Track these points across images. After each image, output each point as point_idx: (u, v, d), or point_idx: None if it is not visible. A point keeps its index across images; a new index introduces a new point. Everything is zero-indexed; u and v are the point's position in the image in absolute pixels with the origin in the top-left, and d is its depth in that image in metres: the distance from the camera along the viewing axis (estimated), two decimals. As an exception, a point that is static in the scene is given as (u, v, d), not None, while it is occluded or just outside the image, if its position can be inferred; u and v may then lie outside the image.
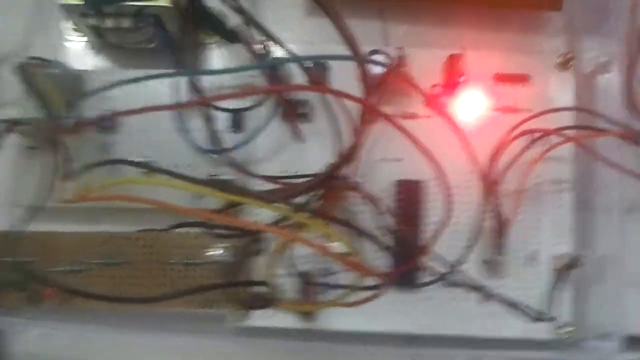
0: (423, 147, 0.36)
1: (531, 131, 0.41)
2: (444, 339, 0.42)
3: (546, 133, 0.41)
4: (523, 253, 0.43)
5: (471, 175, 0.42)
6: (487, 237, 0.42)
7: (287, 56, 0.43)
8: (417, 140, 0.36)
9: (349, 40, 0.37)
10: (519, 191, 0.41)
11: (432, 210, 0.43)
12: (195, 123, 0.44)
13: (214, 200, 0.39)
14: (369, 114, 0.39)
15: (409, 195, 0.43)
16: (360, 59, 0.37)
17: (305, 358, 0.43)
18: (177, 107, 0.44)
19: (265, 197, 0.34)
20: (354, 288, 0.37)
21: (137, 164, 0.36)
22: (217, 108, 0.44)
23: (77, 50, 0.47)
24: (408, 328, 0.42)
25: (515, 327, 0.42)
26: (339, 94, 0.36)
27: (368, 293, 0.37)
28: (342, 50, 0.39)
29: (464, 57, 0.42)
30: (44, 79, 0.42)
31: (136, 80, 0.36)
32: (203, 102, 0.42)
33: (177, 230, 0.42)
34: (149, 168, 0.39)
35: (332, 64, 0.44)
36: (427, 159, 0.37)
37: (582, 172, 0.43)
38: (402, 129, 0.35)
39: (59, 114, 0.41)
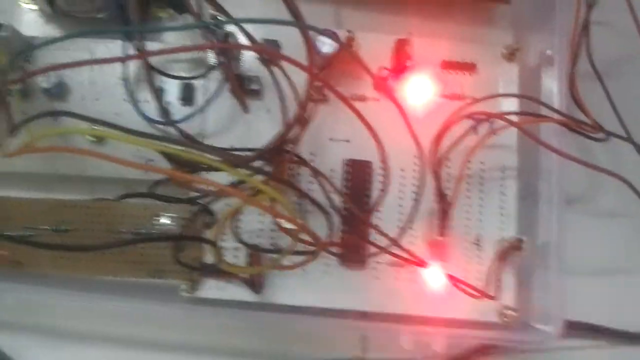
0: (368, 124, 0.37)
1: (473, 115, 0.42)
2: (391, 317, 0.43)
3: (488, 117, 0.42)
4: (467, 236, 0.43)
5: (416, 159, 0.43)
6: (432, 219, 0.43)
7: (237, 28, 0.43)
8: (362, 116, 0.36)
9: (297, 16, 0.37)
10: (460, 175, 0.42)
11: (379, 191, 0.43)
12: (145, 95, 0.44)
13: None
14: (316, 88, 0.39)
15: (357, 175, 0.43)
16: (305, 27, 0.37)
17: (255, 328, 0.44)
18: (120, 59, 0.43)
19: (222, 160, 0.34)
20: (294, 252, 0.37)
21: (83, 117, 0.36)
22: (167, 75, 0.44)
23: (28, 17, 0.47)
24: (354, 305, 0.43)
25: (459, 308, 0.43)
26: (286, 59, 0.36)
27: (307, 256, 0.37)
28: (294, 30, 0.39)
29: (411, 42, 0.43)
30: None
31: (80, 34, 0.35)
32: (145, 56, 0.41)
33: (127, 200, 0.42)
34: (96, 121, 0.38)
35: (284, 43, 0.44)
36: (373, 139, 0.37)
37: (526, 159, 0.44)
38: (348, 103, 0.36)
39: (4, 74, 0.41)
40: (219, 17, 0.43)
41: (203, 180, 0.38)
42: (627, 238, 0.46)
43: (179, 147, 0.33)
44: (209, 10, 0.44)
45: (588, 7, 0.43)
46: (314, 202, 0.39)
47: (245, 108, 0.44)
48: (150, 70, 0.43)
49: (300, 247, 0.38)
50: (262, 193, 0.33)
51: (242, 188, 0.38)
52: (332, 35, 0.42)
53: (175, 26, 0.45)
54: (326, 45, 0.42)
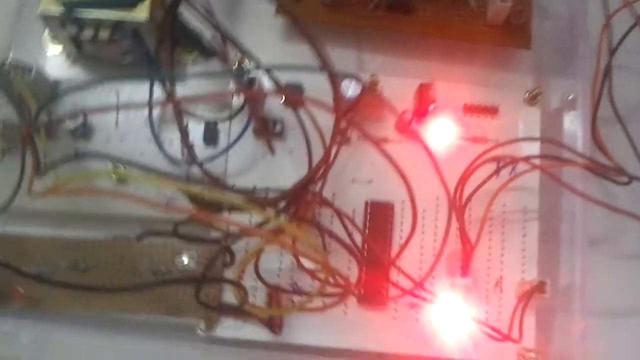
0: (395, 165, 0.37)
1: (497, 158, 0.42)
2: (411, 358, 0.42)
3: (512, 161, 0.42)
4: (489, 278, 0.43)
5: (438, 201, 0.43)
6: (454, 261, 0.43)
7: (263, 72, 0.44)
8: (389, 156, 0.36)
9: (324, 61, 0.38)
10: (484, 217, 0.42)
11: (402, 232, 0.44)
12: (169, 135, 0.44)
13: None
14: (341, 130, 0.40)
15: (379, 216, 0.44)
16: (332, 73, 0.38)
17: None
18: (148, 104, 0.44)
19: (245, 199, 0.34)
20: (318, 294, 0.37)
21: (108, 157, 0.36)
22: (193, 117, 0.44)
23: (55, 60, 0.48)
24: (373, 346, 0.42)
25: (480, 350, 0.42)
26: (315, 102, 0.36)
27: (332, 300, 0.37)
28: (317, 74, 0.39)
29: (434, 86, 0.43)
30: (22, 83, 0.42)
31: (106, 79, 0.36)
32: (172, 102, 0.42)
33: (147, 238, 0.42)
34: (121, 162, 0.39)
35: (308, 87, 0.45)
36: (402, 180, 0.37)
37: (548, 202, 0.44)
38: (376, 144, 0.36)
39: (32, 117, 0.42)
40: (243, 62, 0.44)
41: (225, 220, 0.38)
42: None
43: (200, 188, 0.33)
44: (234, 54, 0.45)
45: (610, 52, 0.43)
46: (338, 239, 0.38)
47: (271, 150, 0.44)
48: (178, 113, 0.43)
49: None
50: (284, 233, 0.34)
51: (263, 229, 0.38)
52: (357, 80, 0.43)
53: (201, 72, 0.46)
54: (351, 89, 0.42)
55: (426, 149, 0.37)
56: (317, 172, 0.38)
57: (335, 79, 0.38)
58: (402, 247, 0.40)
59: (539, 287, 0.41)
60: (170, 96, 0.43)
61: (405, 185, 0.36)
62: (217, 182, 0.43)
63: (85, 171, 0.41)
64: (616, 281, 0.45)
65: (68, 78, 0.47)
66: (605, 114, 0.44)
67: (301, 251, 0.35)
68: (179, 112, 0.43)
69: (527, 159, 0.42)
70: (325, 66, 0.38)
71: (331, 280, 0.36)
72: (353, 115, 0.43)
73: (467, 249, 0.41)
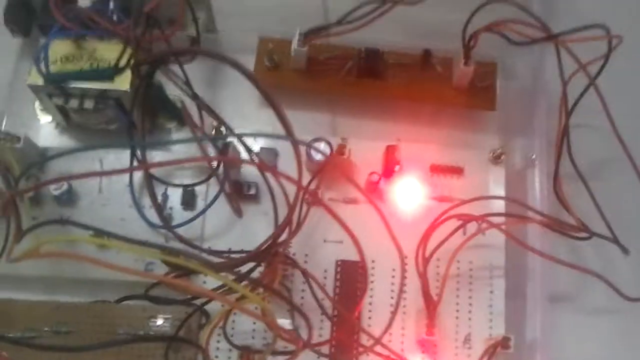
0: (348, 230, 0.38)
1: (458, 216, 0.44)
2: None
3: (472, 219, 0.44)
4: (457, 334, 0.44)
5: (407, 260, 0.45)
6: (421, 318, 0.44)
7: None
8: (342, 222, 0.38)
9: (287, 128, 0.40)
10: (446, 274, 0.43)
11: (371, 291, 0.45)
12: (149, 201, 0.47)
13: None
14: (307, 196, 0.42)
15: (349, 275, 0.45)
16: (296, 141, 0.40)
17: None
18: (125, 171, 0.46)
19: (211, 265, 0.36)
20: (269, 352, 0.39)
21: (86, 226, 0.38)
22: (167, 184, 0.47)
23: (46, 128, 0.50)
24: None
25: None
26: (278, 174, 0.38)
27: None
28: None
29: (399, 148, 0.45)
30: (8, 151, 0.44)
31: (89, 148, 0.38)
32: (147, 168, 0.44)
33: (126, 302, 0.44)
34: (97, 230, 0.41)
35: (281, 151, 0.47)
36: (354, 243, 0.39)
37: (513, 259, 0.46)
38: (331, 213, 0.38)
39: (16, 183, 0.44)
40: (220, 129, 0.47)
41: (190, 286, 0.39)
42: (612, 335, 0.47)
43: (171, 255, 0.35)
44: (211, 122, 0.47)
45: (567, 113, 0.45)
46: (299, 311, 0.40)
47: (238, 213, 0.46)
48: (152, 180, 0.45)
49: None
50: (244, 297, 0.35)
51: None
52: (326, 143, 0.45)
53: (177, 140, 0.48)
54: (319, 154, 0.45)
55: (379, 211, 0.39)
56: (281, 233, 0.40)
57: (297, 146, 0.40)
58: (358, 306, 0.42)
59: (503, 343, 0.42)
60: (141, 163, 0.45)
61: (356, 247, 0.38)
62: (190, 245, 0.45)
63: (65, 235, 0.43)
64: (579, 336, 0.46)
65: (57, 146, 0.49)
66: (567, 171, 0.46)
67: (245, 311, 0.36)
68: (149, 180, 0.45)
69: (486, 217, 0.43)
70: (288, 133, 0.40)
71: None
72: (322, 176, 0.45)
73: (431, 306, 0.43)
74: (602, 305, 0.46)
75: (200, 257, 0.40)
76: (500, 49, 0.47)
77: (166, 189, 0.47)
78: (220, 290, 0.39)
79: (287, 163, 0.46)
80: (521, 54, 0.48)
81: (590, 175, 0.46)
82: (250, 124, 0.50)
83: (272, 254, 0.40)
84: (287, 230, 0.41)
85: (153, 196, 0.45)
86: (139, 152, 0.46)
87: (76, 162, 0.47)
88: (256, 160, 0.47)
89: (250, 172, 0.47)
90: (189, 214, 0.47)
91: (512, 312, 0.45)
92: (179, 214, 0.47)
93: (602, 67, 0.44)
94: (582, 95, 0.44)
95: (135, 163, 0.46)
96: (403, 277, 0.41)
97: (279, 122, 0.40)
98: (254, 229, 0.46)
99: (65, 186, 0.46)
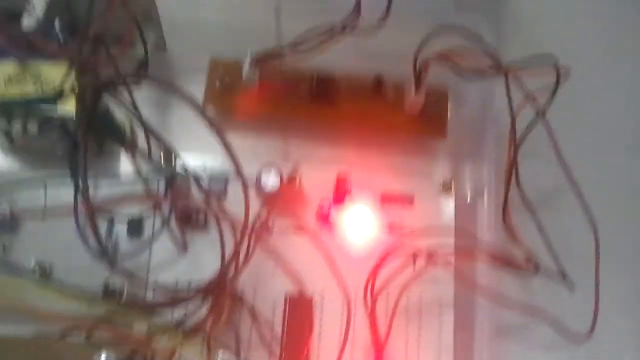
0: (285, 265, 0.38)
1: (408, 251, 0.44)
2: None
3: (421, 254, 0.43)
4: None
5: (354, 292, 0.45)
6: (370, 352, 0.44)
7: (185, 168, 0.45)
8: (281, 258, 0.38)
9: (232, 157, 0.39)
10: (394, 308, 0.43)
11: (321, 325, 0.45)
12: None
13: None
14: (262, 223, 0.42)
15: (298, 310, 0.45)
16: (242, 176, 0.39)
17: None
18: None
19: (146, 306, 0.36)
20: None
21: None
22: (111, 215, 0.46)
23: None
24: None
25: None
26: (222, 215, 0.38)
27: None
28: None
29: (349, 177, 0.45)
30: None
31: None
32: (88, 209, 0.43)
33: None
34: (42, 274, 0.40)
35: (232, 178, 0.46)
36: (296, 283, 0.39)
37: (462, 292, 0.46)
38: (272, 253, 0.37)
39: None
40: (168, 156, 0.46)
41: (120, 333, 0.39)
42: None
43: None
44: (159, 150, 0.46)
45: (515, 144, 0.45)
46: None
47: (184, 249, 0.46)
48: (94, 212, 0.44)
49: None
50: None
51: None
52: (276, 173, 0.44)
53: (121, 167, 0.48)
54: (270, 183, 0.44)
55: (321, 243, 0.38)
56: (228, 268, 0.39)
57: (243, 179, 0.39)
58: (306, 345, 0.41)
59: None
60: (86, 201, 0.44)
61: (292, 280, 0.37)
62: (133, 277, 0.44)
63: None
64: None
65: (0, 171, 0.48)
66: (517, 202, 0.46)
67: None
68: (91, 211, 0.44)
69: (436, 252, 0.43)
70: (235, 168, 0.40)
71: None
72: (274, 205, 0.45)
73: (378, 341, 0.42)
74: (550, 340, 0.46)
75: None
76: (451, 76, 0.47)
77: (112, 218, 0.46)
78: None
79: (238, 190, 0.45)
80: (473, 82, 0.48)
81: (539, 206, 0.46)
82: (202, 146, 0.48)
83: (218, 291, 0.40)
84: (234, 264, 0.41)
85: (95, 228, 0.44)
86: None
87: (18, 185, 0.46)
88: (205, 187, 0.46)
89: (199, 198, 0.47)
90: (135, 244, 0.46)
91: (461, 346, 0.45)
92: (125, 244, 0.46)
93: (552, 98, 0.44)
94: (528, 130, 0.45)
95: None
96: (350, 316, 0.41)
97: (226, 154, 0.40)
98: (202, 260, 0.45)
99: (7, 212, 0.45)
